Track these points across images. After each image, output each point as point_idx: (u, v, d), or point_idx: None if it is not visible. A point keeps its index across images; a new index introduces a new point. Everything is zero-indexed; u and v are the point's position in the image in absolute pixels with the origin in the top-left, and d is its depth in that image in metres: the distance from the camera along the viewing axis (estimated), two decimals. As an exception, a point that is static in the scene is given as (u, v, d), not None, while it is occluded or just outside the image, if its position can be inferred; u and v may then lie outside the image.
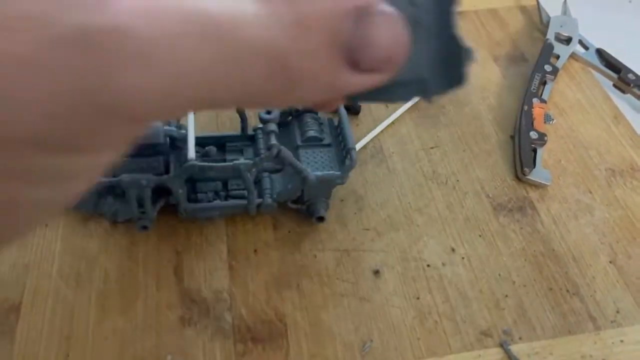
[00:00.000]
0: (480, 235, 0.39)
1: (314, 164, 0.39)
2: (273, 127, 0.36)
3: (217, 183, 0.39)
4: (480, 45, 0.54)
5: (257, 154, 0.41)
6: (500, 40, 0.54)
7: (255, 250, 0.38)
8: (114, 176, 0.35)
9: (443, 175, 0.43)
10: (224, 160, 0.41)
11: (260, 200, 0.38)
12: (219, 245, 0.38)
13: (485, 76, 0.51)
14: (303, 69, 0.17)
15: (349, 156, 0.37)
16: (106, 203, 0.38)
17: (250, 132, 0.42)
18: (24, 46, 0.14)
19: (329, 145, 0.40)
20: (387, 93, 0.20)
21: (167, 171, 0.35)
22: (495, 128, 0.46)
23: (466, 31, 0.55)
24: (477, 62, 0.52)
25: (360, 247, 0.38)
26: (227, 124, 0.45)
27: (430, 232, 0.39)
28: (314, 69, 0.17)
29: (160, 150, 0.35)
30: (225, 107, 0.19)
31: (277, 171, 0.39)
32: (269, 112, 0.37)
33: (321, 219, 0.38)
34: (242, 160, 0.35)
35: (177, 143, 0.36)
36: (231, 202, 0.38)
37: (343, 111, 0.40)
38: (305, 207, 0.39)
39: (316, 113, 0.41)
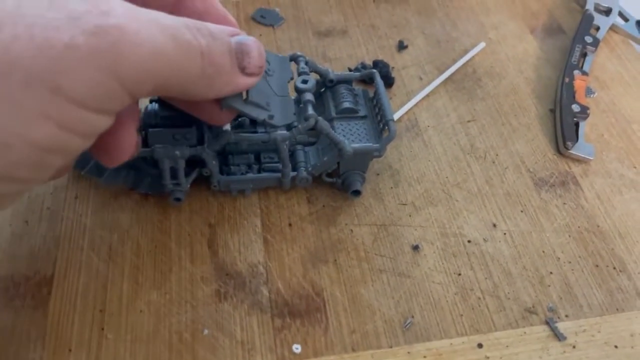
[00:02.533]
0: (522, 211, 0.38)
1: (350, 137, 0.37)
2: (309, 96, 0.35)
3: (250, 156, 0.38)
4: (515, 16, 0.52)
5: (289, 126, 0.40)
6: (536, 11, 0.52)
7: (290, 224, 0.37)
8: (147, 147, 0.34)
9: (481, 150, 0.41)
10: (256, 133, 0.39)
11: (294, 173, 0.37)
12: (252, 219, 0.37)
13: (522, 48, 0.49)
14: (217, 69, 0.26)
15: (387, 128, 0.36)
16: (138, 176, 0.37)
17: None
18: (70, 36, 0.21)
19: (364, 117, 0.38)
20: (249, 108, 0.31)
21: (200, 142, 0.34)
22: (534, 101, 0.45)
23: (502, 2, 0.53)
24: (514, 34, 0.50)
25: (398, 222, 0.37)
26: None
27: (470, 207, 0.38)
28: (222, 70, 0.27)
29: (193, 121, 0.34)
30: (169, 94, 0.27)
31: (311, 144, 0.38)
32: (305, 82, 0.36)
33: (357, 192, 0.37)
34: (278, 131, 0.34)
35: None
36: (265, 174, 0.37)
37: (379, 81, 0.38)
38: (340, 181, 0.37)
39: (350, 83, 0.40)
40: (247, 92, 0.30)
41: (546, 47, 0.49)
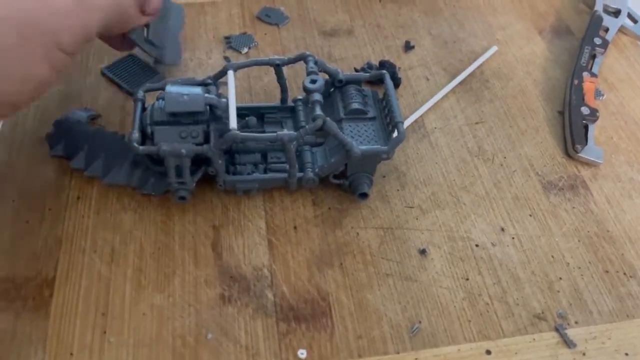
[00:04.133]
0: (530, 215, 0.37)
1: (358, 138, 0.37)
2: (318, 97, 0.34)
3: (256, 155, 0.37)
4: (523, 17, 0.51)
5: (297, 126, 0.39)
6: (544, 12, 0.52)
7: (295, 227, 0.36)
8: (153, 144, 0.33)
9: (489, 152, 0.41)
10: (263, 132, 0.39)
11: (301, 174, 0.36)
12: (257, 221, 0.36)
13: (530, 49, 0.48)
14: (129, 11, 0.36)
15: (396, 130, 0.35)
16: (141, 176, 0.36)
17: (289, 103, 0.40)
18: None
19: (373, 118, 0.38)
20: (146, 45, 0.41)
21: (206, 141, 0.34)
22: (542, 103, 0.44)
23: (509, 3, 0.52)
24: (522, 35, 0.50)
25: (405, 225, 0.36)
26: (260, 94, 0.44)
27: (478, 210, 0.37)
28: (129, 12, 0.36)
29: (200, 119, 0.33)
30: (109, 31, 0.35)
31: (318, 145, 0.38)
32: (313, 82, 0.35)
33: (364, 195, 0.37)
34: (285, 132, 0.33)
35: (217, 112, 0.34)
36: (271, 175, 0.36)
37: (389, 82, 0.38)
38: (347, 183, 0.37)
39: (359, 84, 0.39)
40: (147, 32, 0.41)
41: (554, 49, 0.49)
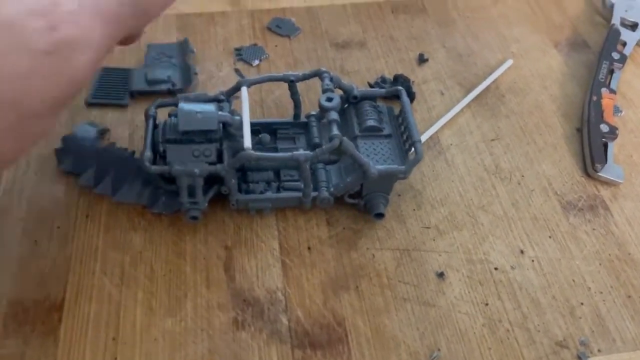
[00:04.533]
0: (550, 237, 0.36)
1: (374, 156, 0.36)
2: (334, 115, 0.34)
3: (269, 173, 0.36)
4: (538, 30, 0.50)
5: (310, 142, 0.38)
6: (560, 24, 0.51)
7: (309, 248, 0.35)
8: (165, 163, 0.32)
9: (506, 170, 0.40)
10: (276, 149, 0.38)
11: (315, 193, 0.35)
12: (270, 242, 0.35)
13: (546, 63, 0.47)
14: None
15: (413, 149, 0.34)
16: (152, 194, 0.36)
17: (302, 119, 0.39)
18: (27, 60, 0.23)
19: (389, 135, 0.37)
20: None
21: (220, 159, 0.33)
22: (559, 119, 0.43)
23: (523, 14, 0.52)
24: (537, 48, 0.49)
25: (422, 247, 0.35)
26: (272, 108, 0.43)
27: (496, 232, 0.37)
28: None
29: (213, 138, 0.32)
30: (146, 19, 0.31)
31: (332, 162, 0.37)
32: (330, 100, 0.34)
33: (380, 215, 0.36)
34: (301, 151, 0.33)
35: (230, 130, 0.33)
36: (285, 194, 0.35)
37: (406, 99, 0.37)
38: (362, 203, 0.36)
39: (374, 100, 0.38)
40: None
41: (571, 62, 0.48)
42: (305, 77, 0.37)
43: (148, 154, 0.32)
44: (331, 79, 0.36)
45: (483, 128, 0.42)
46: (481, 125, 0.43)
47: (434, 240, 0.36)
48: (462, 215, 0.37)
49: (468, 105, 0.44)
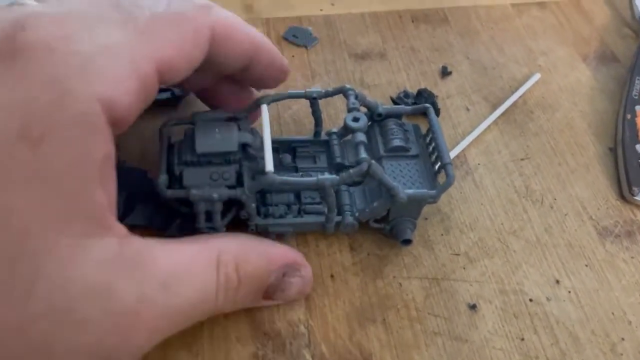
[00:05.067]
0: (586, 265, 0.35)
1: (400, 179, 0.34)
2: (361, 137, 0.31)
3: (290, 195, 0.34)
4: (565, 42, 0.48)
5: (331, 162, 0.36)
6: (587, 37, 0.49)
7: (332, 275, 0.33)
8: (181, 186, 0.30)
9: (538, 192, 0.38)
10: (295, 168, 0.36)
11: (339, 217, 0.33)
12: (291, 269, 0.33)
13: (575, 77, 0.45)
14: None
15: (444, 172, 0.32)
16: (166, 217, 0.33)
17: (323, 137, 0.37)
18: None
19: (415, 156, 0.35)
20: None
21: (239, 182, 0.31)
22: (591, 138, 0.41)
23: (549, 25, 0.50)
24: (565, 61, 0.47)
25: (451, 275, 0.33)
26: (290, 125, 0.41)
27: (530, 259, 0.35)
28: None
29: (232, 159, 0.30)
30: None
31: (357, 184, 0.35)
32: (356, 120, 0.32)
33: (408, 241, 0.34)
34: (326, 175, 0.31)
35: (250, 151, 0.31)
36: (307, 219, 0.33)
37: (435, 118, 0.35)
38: (389, 228, 0.34)
39: (400, 117, 0.36)
40: None
41: (600, 77, 0.46)
42: (329, 95, 0.35)
43: (163, 177, 0.30)
44: (356, 97, 0.34)
45: (511, 146, 0.40)
46: (509, 143, 0.41)
47: (464, 268, 0.34)
48: (492, 241, 0.35)
49: (495, 122, 0.42)
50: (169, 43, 0.25)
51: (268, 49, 0.31)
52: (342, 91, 0.34)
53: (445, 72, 0.45)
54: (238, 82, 0.34)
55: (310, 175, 0.32)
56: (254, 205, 0.32)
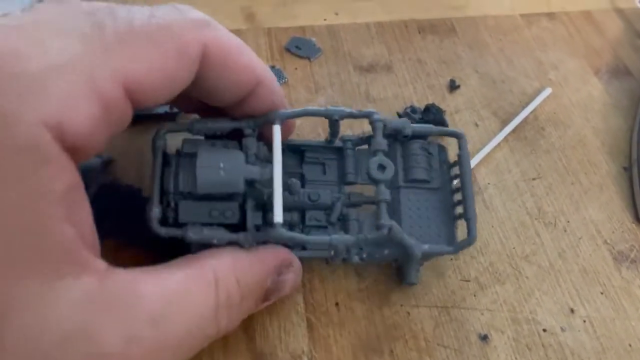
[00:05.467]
0: (601, 293, 0.33)
1: (416, 211, 0.31)
2: (386, 195, 0.28)
3: (293, 214, 0.31)
4: (576, 54, 0.47)
5: (342, 175, 0.33)
6: (599, 49, 0.48)
7: (337, 304, 0.32)
8: (177, 224, 0.27)
9: (550, 214, 0.36)
10: (302, 175, 0.33)
11: (346, 255, 0.30)
12: (294, 296, 0.32)
13: (587, 92, 0.44)
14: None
15: (466, 225, 0.30)
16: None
17: (337, 143, 0.34)
18: None
19: (436, 189, 0.32)
20: None
21: (242, 221, 0.28)
22: (604, 156, 0.40)
23: (560, 37, 0.48)
24: (576, 75, 0.45)
25: (461, 303, 0.32)
26: (305, 128, 0.39)
27: (543, 286, 0.33)
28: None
29: (235, 195, 0.28)
30: None
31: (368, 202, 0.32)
32: (382, 168, 0.28)
33: (412, 284, 0.32)
34: (342, 236, 0.28)
35: (256, 185, 0.28)
36: (312, 253, 0.30)
37: (466, 154, 0.31)
38: (394, 266, 0.32)
39: (425, 138, 0.33)
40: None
41: (612, 91, 0.44)
42: (352, 116, 0.31)
43: (156, 210, 0.27)
44: (384, 126, 0.30)
45: (522, 165, 0.39)
46: (520, 162, 0.39)
47: (474, 295, 0.32)
48: (504, 267, 0.34)
49: (505, 139, 0.40)
50: (143, 60, 0.22)
51: (269, 85, 0.28)
52: (368, 116, 0.31)
53: (453, 86, 0.43)
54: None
55: (319, 196, 0.31)
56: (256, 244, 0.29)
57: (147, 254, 0.31)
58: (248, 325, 0.30)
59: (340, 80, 0.43)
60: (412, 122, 0.39)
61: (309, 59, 0.45)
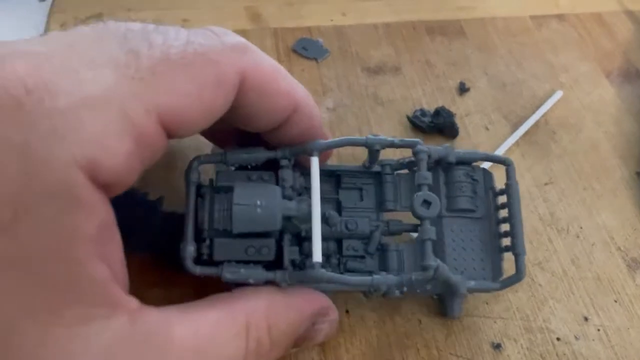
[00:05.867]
0: (615, 301, 0.33)
1: (460, 242, 0.30)
2: (431, 233, 0.27)
3: (330, 243, 0.29)
4: (587, 57, 0.46)
5: (380, 202, 0.31)
6: (610, 52, 0.47)
7: (347, 311, 0.31)
8: (212, 262, 0.26)
9: (563, 220, 0.36)
10: (338, 201, 0.31)
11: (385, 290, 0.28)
12: (303, 303, 0.31)
13: (598, 95, 0.43)
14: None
15: (514, 260, 0.29)
16: (166, 241, 0.31)
17: (375, 168, 0.32)
18: None
19: (480, 219, 0.31)
20: None
21: (279, 257, 0.27)
22: (617, 161, 0.39)
23: (570, 39, 0.48)
24: (588, 78, 0.45)
25: (474, 311, 0.31)
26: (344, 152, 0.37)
27: (556, 294, 0.33)
28: None
29: (271, 231, 0.26)
30: None
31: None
32: (427, 204, 0.27)
33: (454, 317, 0.31)
34: (384, 276, 0.27)
35: (293, 221, 0.27)
36: (349, 287, 0.28)
37: (515, 184, 0.30)
38: (435, 297, 0.31)
39: (469, 165, 0.31)
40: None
41: (624, 95, 0.44)
42: (395, 146, 0.29)
43: (191, 249, 0.26)
44: (429, 157, 0.29)
45: (534, 170, 0.38)
46: (532, 167, 0.39)
47: (487, 303, 0.32)
48: (516, 274, 0.33)
49: (516, 143, 0.40)
50: (179, 91, 0.21)
51: (309, 111, 0.26)
52: (412, 147, 0.29)
53: (463, 89, 0.43)
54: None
55: (357, 226, 0.29)
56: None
57: (153, 261, 0.31)
58: (257, 334, 0.30)
59: (347, 82, 0.43)
60: (422, 126, 0.39)
61: (316, 60, 0.44)
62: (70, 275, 0.19)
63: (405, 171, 0.32)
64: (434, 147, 0.30)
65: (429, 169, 0.29)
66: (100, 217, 0.20)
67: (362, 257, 0.30)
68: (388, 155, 0.32)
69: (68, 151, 0.18)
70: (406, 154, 0.31)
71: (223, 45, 0.23)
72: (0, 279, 0.18)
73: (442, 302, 0.31)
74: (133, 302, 0.21)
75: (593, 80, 0.45)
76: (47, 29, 0.44)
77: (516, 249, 0.29)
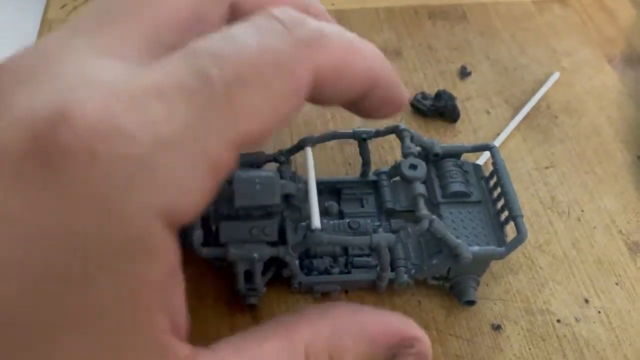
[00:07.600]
0: (616, 283, 0.32)
1: (462, 230, 0.30)
2: (420, 188, 0.27)
3: (335, 246, 0.30)
4: (589, 42, 0.46)
5: (381, 206, 0.33)
6: (612, 37, 0.47)
7: (346, 291, 0.31)
8: (217, 243, 0.27)
9: (564, 204, 0.36)
10: (341, 213, 0.32)
11: (392, 274, 0.29)
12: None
13: (601, 80, 0.43)
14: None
15: (514, 225, 0.29)
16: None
17: (371, 177, 0.33)
18: None
19: (477, 202, 0.31)
20: None
21: (281, 236, 0.27)
22: (619, 145, 0.39)
23: (572, 24, 0.47)
24: (590, 63, 0.44)
25: (474, 293, 0.31)
26: (301, 127, 0.38)
27: (557, 276, 0.32)
28: None
29: (273, 212, 0.27)
30: None
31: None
32: (414, 167, 0.28)
33: (471, 303, 0.30)
34: (382, 233, 0.27)
35: (293, 201, 0.28)
36: (357, 275, 0.30)
37: (500, 161, 0.31)
38: (449, 285, 0.31)
39: (458, 158, 0.33)
40: None
41: (627, 80, 0.43)
42: (380, 134, 0.31)
43: (198, 233, 0.26)
44: (412, 138, 0.30)
45: (535, 154, 0.38)
46: (533, 150, 0.38)
47: (487, 285, 0.32)
48: (517, 256, 0.33)
49: (517, 127, 0.39)
50: (257, 113, 0.19)
51: (386, 81, 0.24)
52: (395, 131, 0.30)
53: (464, 73, 0.43)
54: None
55: (359, 225, 0.30)
56: (297, 261, 0.28)
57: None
58: (256, 315, 0.30)
59: (349, 66, 0.43)
60: (423, 109, 0.39)
61: (317, 44, 0.44)
62: (129, 326, 0.17)
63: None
64: (415, 132, 0.31)
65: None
66: (170, 264, 0.18)
67: (368, 255, 0.30)
68: (384, 164, 0.35)
69: (147, 201, 0.17)
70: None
71: (295, 43, 0.20)
72: (65, 336, 0.17)
73: (456, 288, 0.30)
74: (185, 349, 0.19)
75: (595, 65, 0.44)
76: (46, 7, 0.44)
77: (513, 212, 0.29)
